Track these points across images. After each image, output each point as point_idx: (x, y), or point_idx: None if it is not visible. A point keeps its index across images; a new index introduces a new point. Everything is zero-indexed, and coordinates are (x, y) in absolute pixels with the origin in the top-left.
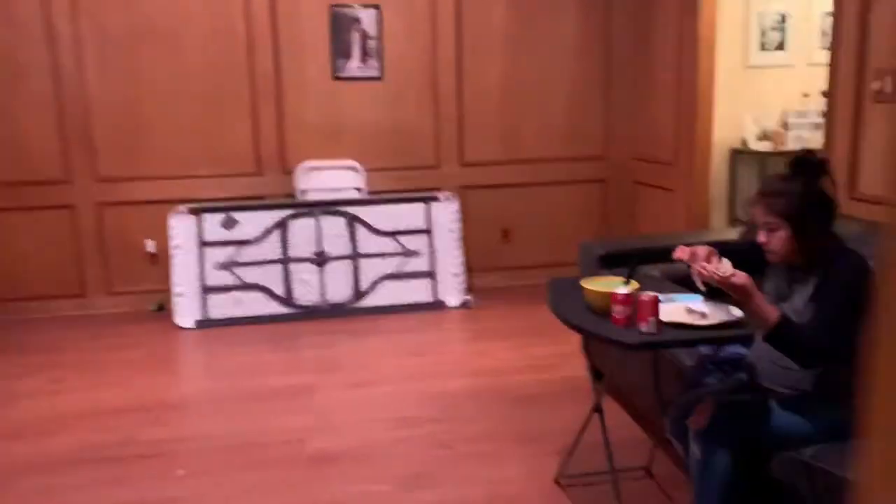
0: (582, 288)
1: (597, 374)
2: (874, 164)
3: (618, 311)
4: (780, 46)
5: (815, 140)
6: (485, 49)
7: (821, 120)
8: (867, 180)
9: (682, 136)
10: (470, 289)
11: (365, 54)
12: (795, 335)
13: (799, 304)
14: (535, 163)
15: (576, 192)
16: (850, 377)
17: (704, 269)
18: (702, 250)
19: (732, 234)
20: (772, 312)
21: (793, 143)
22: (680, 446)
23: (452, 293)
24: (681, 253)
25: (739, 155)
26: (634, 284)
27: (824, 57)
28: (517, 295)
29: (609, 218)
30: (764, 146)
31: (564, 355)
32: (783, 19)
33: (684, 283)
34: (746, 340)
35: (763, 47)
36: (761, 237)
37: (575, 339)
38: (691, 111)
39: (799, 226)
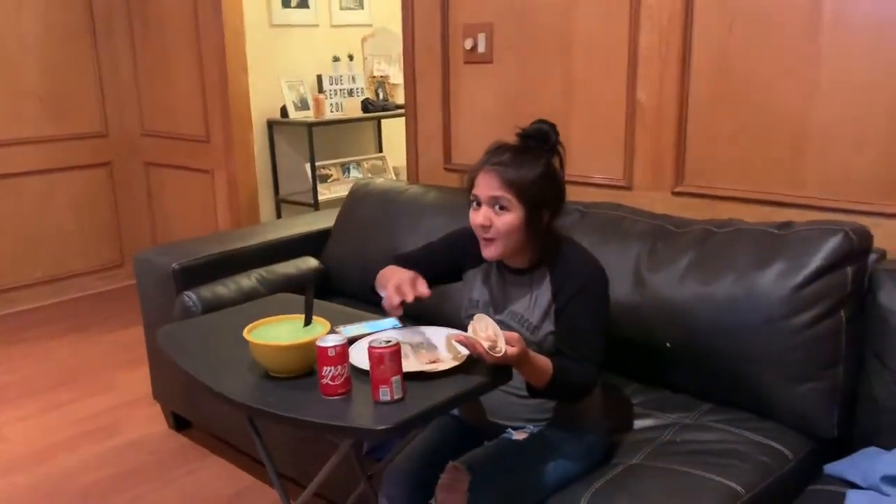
0: (249, 343)
1: (180, 422)
2: (469, 132)
3: (331, 373)
4: (304, 3)
5: (352, 106)
6: None
7: (355, 86)
8: (462, 150)
9: (213, 108)
10: None
11: None
12: (570, 376)
13: (530, 314)
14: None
15: (69, 182)
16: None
17: (474, 347)
18: (406, 285)
19: (305, 225)
20: (546, 364)
21: (332, 113)
22: None
23: None
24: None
25: (278, 126)
26: (324, 323)
27: (346, 18)
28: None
29: (125, 213)
30: (305, 116)
31: (119, 406)
32: None
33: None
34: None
35: (286, 3)
36: (479, 218)
37: (122, 378)
38: (222, 77)
39: (533, 211)
